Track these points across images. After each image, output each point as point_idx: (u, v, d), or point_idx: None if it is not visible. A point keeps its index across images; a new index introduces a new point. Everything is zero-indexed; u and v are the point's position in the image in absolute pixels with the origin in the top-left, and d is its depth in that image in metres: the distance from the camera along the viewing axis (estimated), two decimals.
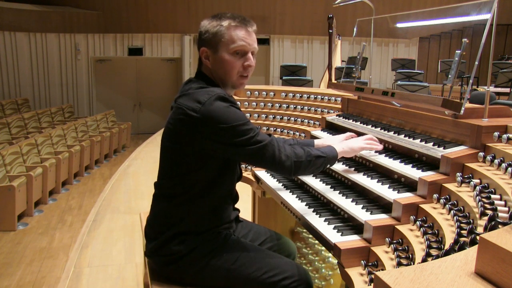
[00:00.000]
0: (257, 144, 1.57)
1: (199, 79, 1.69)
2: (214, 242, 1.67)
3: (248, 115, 3.30)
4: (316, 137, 2.58)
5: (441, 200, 1.51)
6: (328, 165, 1.81)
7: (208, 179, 1.65)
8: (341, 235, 1.64)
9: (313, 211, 1.88)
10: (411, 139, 1.94)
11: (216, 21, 1.65)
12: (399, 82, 6.99)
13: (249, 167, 3.30)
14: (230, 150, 1.58)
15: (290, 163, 1.63)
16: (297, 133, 3.09)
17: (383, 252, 1.52)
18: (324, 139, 2.17)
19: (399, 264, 1.41)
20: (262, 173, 2.51)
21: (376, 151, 2.06)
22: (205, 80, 1.69)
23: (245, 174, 2.70)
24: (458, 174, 1.56)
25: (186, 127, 1.57)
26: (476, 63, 1.80)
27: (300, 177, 2.24)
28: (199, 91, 1.60)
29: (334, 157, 1.80)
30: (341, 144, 1.91)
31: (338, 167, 2.11)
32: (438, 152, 1.72)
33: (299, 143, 2.03)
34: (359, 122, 2.41)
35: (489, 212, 1.25)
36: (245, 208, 3.15)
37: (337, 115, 2.70)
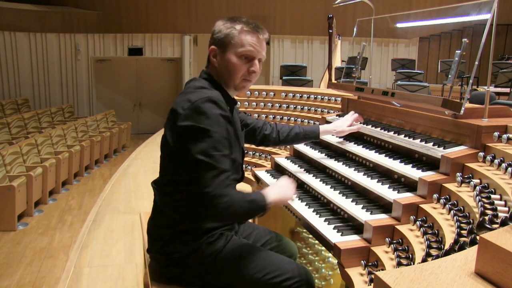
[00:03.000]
0: (207, 160, 1.44)
1: (202, 78, 1.70)
2: (215, 244, 1.67)
3: (248, 115, 3.30)
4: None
5: (441, 200, 1.51)
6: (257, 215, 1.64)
7: None
8: (341, 235, 1.64)
9: (313, 211, 1.88)
10: (411, 139, 1.94)
11: (231, 23, 1.66)
12: (399, 82, 6.98)
13: (249, 167, 3.30)
14: (184, 151, 1.49)
15: (224, 207, 1.45)
16: None
17: (383, 252, 1.52)
18: (333, 123, 2.33)
19: (399, 264, 1.41)
20: (262, 173, 2.52)
21: (376, 151, 2.06)
22: (209, 79, 1.69)
23: (245, 174, 2.70)
24: (458, 174, 1.56)
25: (173, 125, 1.54)
26: (476, 63, 1.80)
27: (300, 177, 2.24)
28: (195, 90, 1.59)
29: (263, 207, 1.58)
30: (276, 187, 1.70)
31: (338, 167, 2.12)
32: (438, 152, 1.72)
33: (303, 130, 2.21)
34: (359, 122, 2.41)
35: (489, 212, 1.25)
36: None
37: (337, 115, 2.70)
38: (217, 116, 1.49)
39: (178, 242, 1.65)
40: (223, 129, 1.51)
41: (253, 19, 1.73)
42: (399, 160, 1.88)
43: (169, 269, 1.69)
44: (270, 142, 2.18)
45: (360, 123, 2.35)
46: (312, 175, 2.21)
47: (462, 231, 1.27)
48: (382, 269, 1.45)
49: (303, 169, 2.32)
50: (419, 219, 1.53)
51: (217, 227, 1.70)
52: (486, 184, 1.46)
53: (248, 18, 1.70)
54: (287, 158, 2.59)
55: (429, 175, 1.66)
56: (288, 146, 2.92)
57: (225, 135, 1.51)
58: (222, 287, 1.68)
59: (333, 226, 1.72)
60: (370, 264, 1.51)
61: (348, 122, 2.31)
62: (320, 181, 2.11)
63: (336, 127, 2.30)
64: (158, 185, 1.74)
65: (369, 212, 1.68)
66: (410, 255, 1.42)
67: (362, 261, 1.52)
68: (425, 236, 1.42)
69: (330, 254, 2.39)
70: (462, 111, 1.74)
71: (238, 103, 1.95)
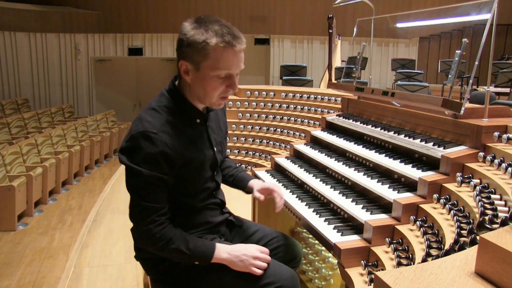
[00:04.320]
0: (135, 197, 1.48)
1: (167, 93, 1.59)
2: None
3: (248, 115, 3.30)
4: (316, 137, 2.59)
5: (441, 200, 1.51)
6: (196, 262, 1.57)
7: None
8: (341, 235, 1.64)
9: (313, 211, 1.88)
10: (411, 139, 1.94)
11: (202, 33, 1.42)
12: (399, 82, 6.98)
13: (249, 167, 3.30)
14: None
15: (149, 235, 1.48)
16: (297, 133, 3.09)
17: (383, 252, 1.52)
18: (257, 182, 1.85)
19: (399, 264, 1.41)
20: (262, 173, 2.51)
21: (376, 151, 2.06)
22: (173, 95, 1.57)
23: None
24: (458, 174, 1.56)
25: None
26: (476, 63, 1.80)
27: (300, 177, 2.24)
28: (144, 114, 1.51)
29: (205, 260, 1.55)
30: (232, 251, 1.57)
31: (338, 167, 2.11)
32: (438, 152, 1.72)
33: (236, 177, 1.86)
34: (359, 122, 2.41)
35: (489, 212, 1.25)
36: (245, 208, 3.15)
37: (337, 115, 2.70)
38: (146, 154, 1.43)
39: (148, 251, 1.64)
40: (153, 166, 1.45)
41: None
42: (399, 160, 1.88)
43: (150, 272, 1.70)
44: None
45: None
46: (312, 175, 2.21)
47: (462, 231, 1.27)
48: (382, 269, 1.45)
49: (303, 169, 2.32)
50: (419, 219, 1.52)
51: (192, 232, 1.63)
52: (486, 184, 1.46)
53: (219, 23, 1.45)
54: (287, 158, 2.59)
55: (429, 175, 1.66)
56: (288, 146, 2.91)
57: (157, 172, 1.45)
58: None
59: (333, 226, 1.72)
60: (370, 264, 1.51)
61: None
62: (320, 181, 2.11)
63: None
64: None
65: (369, 212, 1.68)
66: (410, 255, 1.42)
67: (362, 261, 1.52)
68: (425, 236, 1.42)
69: (330, 254, 2.39)
70: (462, 111, 1.74)
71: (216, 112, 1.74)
